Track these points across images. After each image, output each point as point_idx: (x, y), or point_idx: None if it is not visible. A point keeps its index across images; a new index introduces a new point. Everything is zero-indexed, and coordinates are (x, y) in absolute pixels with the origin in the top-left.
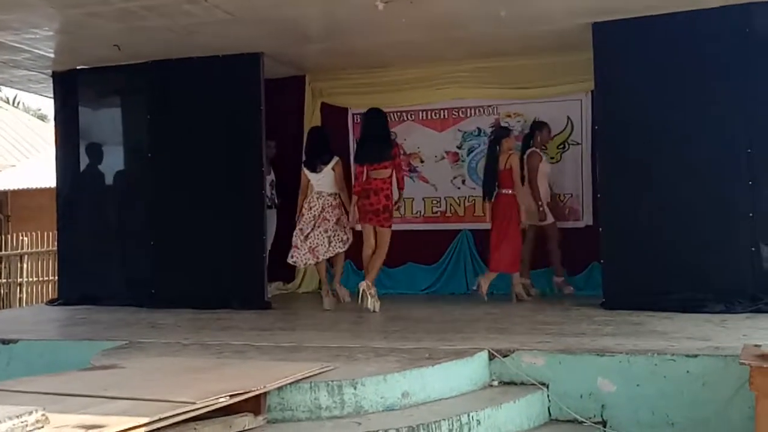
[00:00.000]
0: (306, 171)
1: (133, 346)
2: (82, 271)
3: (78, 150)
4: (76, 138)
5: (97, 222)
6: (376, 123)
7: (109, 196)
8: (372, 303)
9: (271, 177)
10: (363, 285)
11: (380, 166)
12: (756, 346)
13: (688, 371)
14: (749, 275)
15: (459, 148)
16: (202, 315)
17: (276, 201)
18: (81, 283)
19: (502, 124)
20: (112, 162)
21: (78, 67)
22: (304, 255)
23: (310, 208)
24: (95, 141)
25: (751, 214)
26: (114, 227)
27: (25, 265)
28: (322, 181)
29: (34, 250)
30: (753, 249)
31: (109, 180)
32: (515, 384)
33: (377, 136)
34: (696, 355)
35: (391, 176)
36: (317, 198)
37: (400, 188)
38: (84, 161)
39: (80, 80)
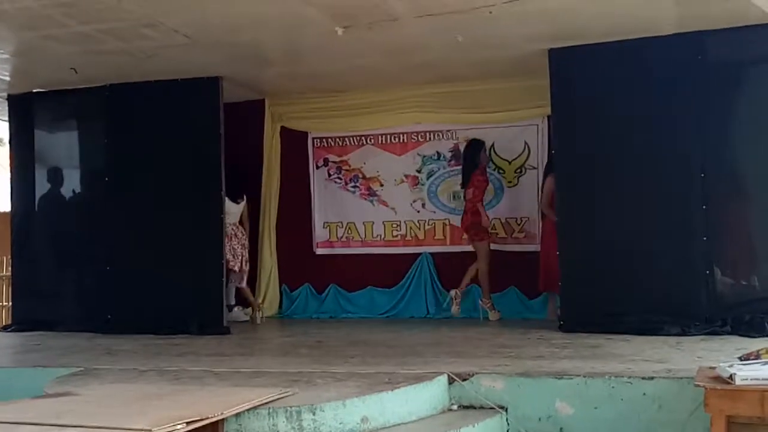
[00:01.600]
0: (228, 201)
1: (88, 372)
2: (36, 296)
3: (33, 174)
4: (31, 162)
5: (53, 247)
6: (466, 152)
7: (65, 221)
8: (492, 315)
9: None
10: (481, 302)
11: (467, 189)
12: (711, 368)
13: (644, 393)
14: (704, 298)
15: (418, 171)
16: (160, 341)
17: None
18: (35, 309)
19: (461, 149)
20: (69, 186)
21: (34, 90)
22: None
23: (235, 236)
24: (51, 165)
25: (705, 238)
26: (70, 252)
27: None
28: (236, 212)
29: None
30: (707, 272)
31: (65, 204)
32: (474, 408)
33: (465, 163)
34: (652, 378)
35: (480, 197)
36: (233, 228)
37: None
38: (40, 185)
39: (36, 103)
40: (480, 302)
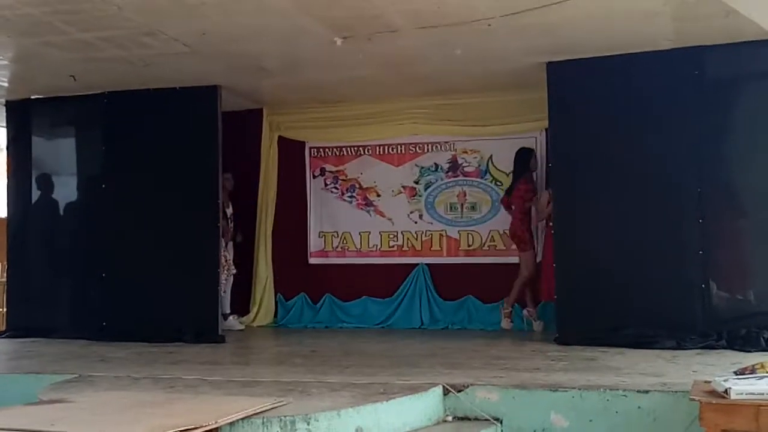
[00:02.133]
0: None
1: (82, 380)
2: (31, 303)
3: (30, 180)
4: (28, 168)
5: (48, 253)
6: (515, 161)
7: (61, 227)
8: (505, 323)
9: (230, 210)
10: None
11: (512, 198)
12: (706, 382)
13: (639, 407)
14: (699, 312)
15: (416, 183)
16: (154, 348)
17: (237, 236)
18: (30, 315)
19: (459, 160)
20: (65, 193)
21: (32, 97)
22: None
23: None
24: (48, 171)
25: (701, 252)
26: (65, 259)
27: None
28: None
29: None
30: (703, 286)
31: (61, 211)
32: (469, 419)
33: (514, 173)
34: (647, 391)
35: (521, 206)
36: None
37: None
38: (36, 192)
39: (34, 110)
40: (501, 307)
